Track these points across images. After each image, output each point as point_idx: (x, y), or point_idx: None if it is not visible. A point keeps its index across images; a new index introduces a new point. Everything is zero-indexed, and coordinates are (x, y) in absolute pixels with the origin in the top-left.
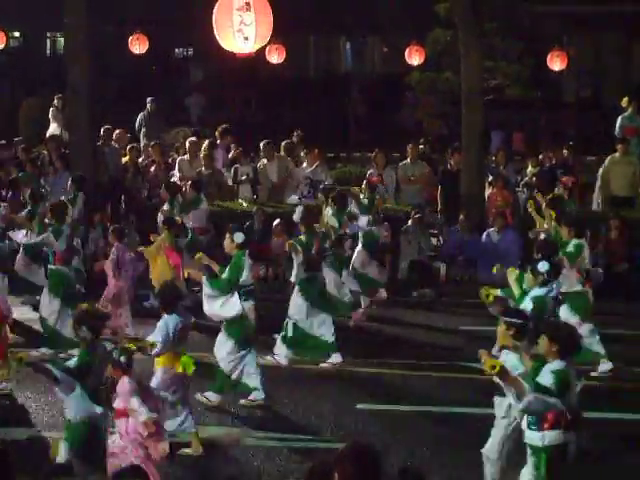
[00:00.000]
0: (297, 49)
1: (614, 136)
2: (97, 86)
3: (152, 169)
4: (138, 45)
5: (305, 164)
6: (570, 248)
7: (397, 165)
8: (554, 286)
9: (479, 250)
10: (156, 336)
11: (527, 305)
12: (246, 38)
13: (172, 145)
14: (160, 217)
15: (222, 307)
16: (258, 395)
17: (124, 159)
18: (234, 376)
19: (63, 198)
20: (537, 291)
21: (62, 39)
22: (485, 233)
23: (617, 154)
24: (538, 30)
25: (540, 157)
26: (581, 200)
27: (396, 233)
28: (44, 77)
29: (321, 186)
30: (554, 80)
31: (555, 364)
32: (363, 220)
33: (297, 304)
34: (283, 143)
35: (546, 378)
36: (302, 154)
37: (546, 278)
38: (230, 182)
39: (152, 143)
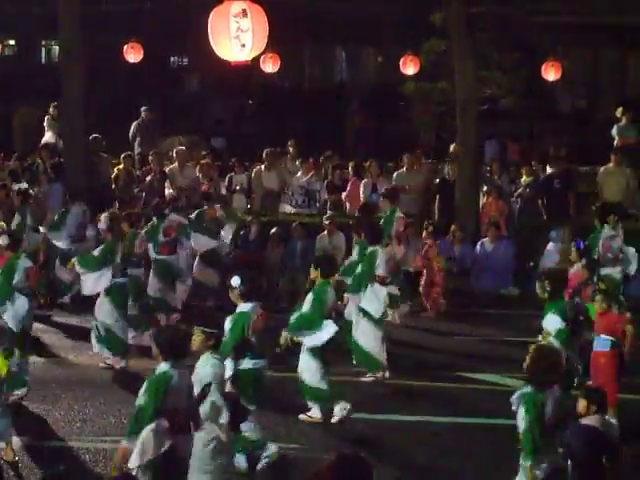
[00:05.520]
0: (292, 59)
1: (609, 147)
2: (91, 95)
3: (148, 178)
4: (133, 54)
5: (300, 173)
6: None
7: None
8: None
9: (471, 260)
10: None
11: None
12: (243, 45)
13: (167, 154)
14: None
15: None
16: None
17: (118, 167)
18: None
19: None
20: (242, 307)
21: (57, 47)
22: (479, 243)
23: (611, 165)
24: (533, 41)
25: (534, 167)
26: (577, 210)
27: None
28: (39, 85)
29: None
30: (549, 91)
31: (162, 366)
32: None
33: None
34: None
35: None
36: (297, 163)
37: (245, 293)
38: (224, 191)
39: (152, 152)
